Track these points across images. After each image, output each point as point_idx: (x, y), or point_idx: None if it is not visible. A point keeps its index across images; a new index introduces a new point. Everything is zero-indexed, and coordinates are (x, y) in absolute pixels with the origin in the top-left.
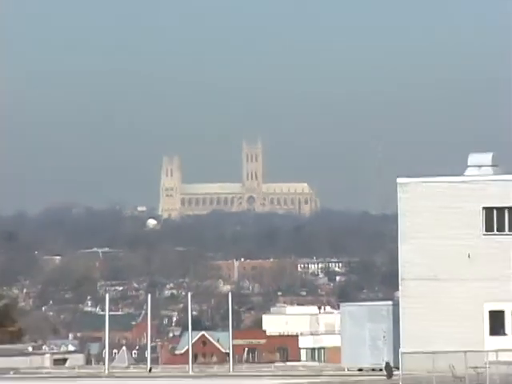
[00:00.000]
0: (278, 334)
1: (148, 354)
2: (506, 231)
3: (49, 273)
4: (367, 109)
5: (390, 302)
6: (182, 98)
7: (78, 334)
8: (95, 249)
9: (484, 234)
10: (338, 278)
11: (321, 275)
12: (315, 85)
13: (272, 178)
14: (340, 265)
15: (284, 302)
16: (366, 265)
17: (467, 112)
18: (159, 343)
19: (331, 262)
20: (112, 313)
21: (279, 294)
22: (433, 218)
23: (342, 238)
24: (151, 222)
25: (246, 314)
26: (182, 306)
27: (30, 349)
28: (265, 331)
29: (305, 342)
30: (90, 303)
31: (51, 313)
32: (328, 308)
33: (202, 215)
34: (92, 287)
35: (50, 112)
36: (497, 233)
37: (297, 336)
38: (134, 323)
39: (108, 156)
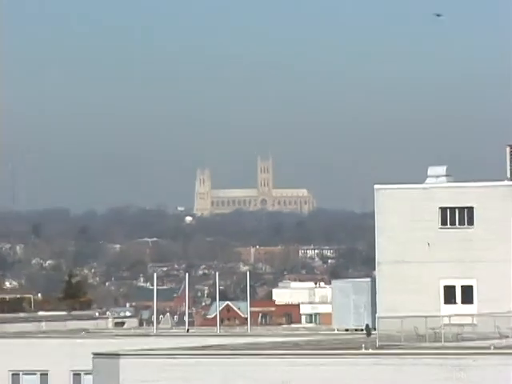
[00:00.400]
0: (284, 303)
1: (186, 318)
2: (457, 225)
3: (111, 257)
4: (355, 124)
5: (369, 279)
6: (209, 123)
7: (133, 303)
8: (146, 239)
9: (440, 228)
10: (329, 261)
11: (316, 259)
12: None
13: (279, 185)
14: (331, 251)
15: (289, 279)
16: (351, 251)
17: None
18: (194, 310)
19: (324, 249)
20: (158, 287)
21: (285, 273)
22: (401, 215)
23: (333, 230)
24: (188, 219)
25: (260, 288)
26: (211, 282)
27: (97, 314)
28: (274, 301)
29: (304, 309)
30: (142, 280)
31: (113, 287)
32: (322, 284)
33: (227, 213)
34: (143, 268)
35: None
36: (449, 227)
37: (298, 305)
38: (175, 295)
39: (155, 168)
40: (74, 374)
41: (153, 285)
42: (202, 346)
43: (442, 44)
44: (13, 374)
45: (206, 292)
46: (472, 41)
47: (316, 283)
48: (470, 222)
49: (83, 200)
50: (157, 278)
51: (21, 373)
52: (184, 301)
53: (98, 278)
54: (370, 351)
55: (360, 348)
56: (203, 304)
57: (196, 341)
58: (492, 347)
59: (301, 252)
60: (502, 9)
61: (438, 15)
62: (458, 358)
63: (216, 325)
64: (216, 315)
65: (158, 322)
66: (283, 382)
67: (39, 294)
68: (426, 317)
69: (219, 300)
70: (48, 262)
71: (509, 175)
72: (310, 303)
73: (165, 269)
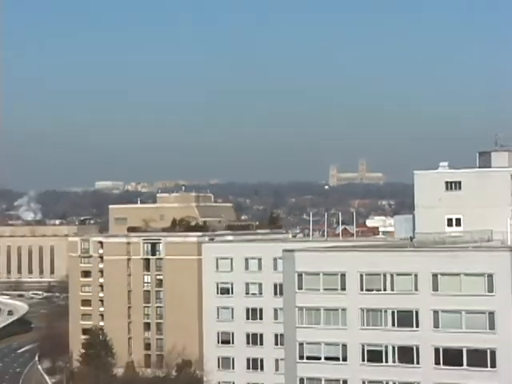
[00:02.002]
0: (372, 226)
1: (325, 233)
2: (453, 190)
3: (290, 205)
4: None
5: (412, 215)
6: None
7: (300, 227)
8: (306, 196)
9: (444, 191)
10: (392, 206)
11: (386, 206)
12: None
13: (369, 171)
14: (393, 202)
15: (373, 215)
16: (403, 202)
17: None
18: (329, 229)
19: (390, 201)
20: (312, 219)
21: (371, 212)
22: (427, 185)
23: (395, 192)
24: (326, 187)
25: (360, 219)
26: (337, 216)
27: (284, 231)
28: (367, 225)
29: (381, 229)
30: (304, 215)
31: (291, 219)
32: (389, 217)
33: (345, 184)
34: (305, 210)
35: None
36: (449, 191)
37: (378, 227)
38: (320, 222)
39: (315, 164)
40: (273, 259)
41: (309, 218)
42: (333, 245)
43: None
44: (245, 259)
45: (334, 221)
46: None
47: (386, 217)
48: (460, 188)
49: (279, 178)
50: (312, 214)
51: (249, 258)
52: (324, 225)
53: (284, 215)
54: (412, 248)
55: (407, 246)
56: (333, 227)
57: (330, 243)
58: (470, 247)
59: (379, 203)
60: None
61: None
62: (453, 251)
63: (339, 236)
64: (339, 232)
65: (312, 235)
66: (371, 263)
67: (257, 222)
68: (439, 233)
69: (340, 224)
70: (261, 207)
71: (477, 165)
72: (384, 226)
73: (315, 210)
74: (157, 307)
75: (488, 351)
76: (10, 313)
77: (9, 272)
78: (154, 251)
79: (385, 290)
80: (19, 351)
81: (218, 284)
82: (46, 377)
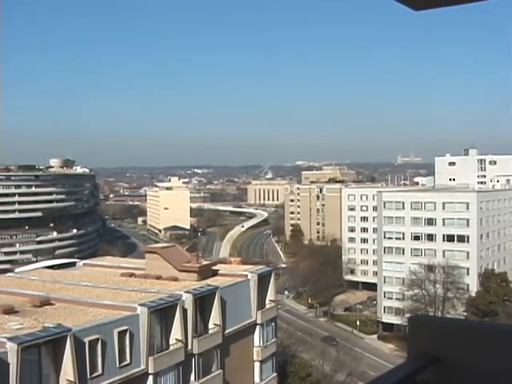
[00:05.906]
0: (416, 181)
1: (395, 184)
2: (451, 166)
3: (379, 172)
4: None
5: (433, 177)
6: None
7: (385, 182)
8: (386, 168)
9: (448, 166)
10: (425, 173)
11: (422, 172)
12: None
13: (415, 156)
14: (426, 171)
15: (417, 177)
16: (430, 171)
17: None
18: (397, 183)
19: (425, 170)
20: (390, 178)
21: (416, 176)
22: (441, 164)
23: (427, 167)
24: (396, 164)
25: (411, 179)
26: (401, 177)
27: (377, 184)
28: (414, 181)
29: (420, 183)
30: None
31: (380, 178)
32: (423, 178)
33: (404, 163)
34: (386, 174)
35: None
36: (450, 166)
37: (419, 182)
38: (393, 180)
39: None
40: (372, 195)
41: (388, 178)
42: (399, 189)
43: None
44: (360, 195)
45: (400, 179)
46: None
47: (422, 177)
48: (454, 165)
49: (375, 160)
50: (390, 176)
51: (362, 194)
52: (395, 181)
53: (377, 176)
54: (434, 190)
55: (431, 190)
56: (399, 182)
57: (397, 188)
58: (459, 190)
59: (419, 171)
60: None
61: None
62: (452, 192)
63: (402, 185)
64: (402, 184)
65: (389, 185)
66: (415, 196)
67: (365, 179)
68: (445, 184)
69: (402, 180)
70: (367, 172)
71: (463, 154)
72: (421, 181)
73: (391, 174)
74: (322, 215)
75: (466, 236)
76: (258, 217)
77: (259, 200)
78: (321, 191)
79: (421, 209)
80: (264, 232)
81: (348, 206)
82: (275, 243)
